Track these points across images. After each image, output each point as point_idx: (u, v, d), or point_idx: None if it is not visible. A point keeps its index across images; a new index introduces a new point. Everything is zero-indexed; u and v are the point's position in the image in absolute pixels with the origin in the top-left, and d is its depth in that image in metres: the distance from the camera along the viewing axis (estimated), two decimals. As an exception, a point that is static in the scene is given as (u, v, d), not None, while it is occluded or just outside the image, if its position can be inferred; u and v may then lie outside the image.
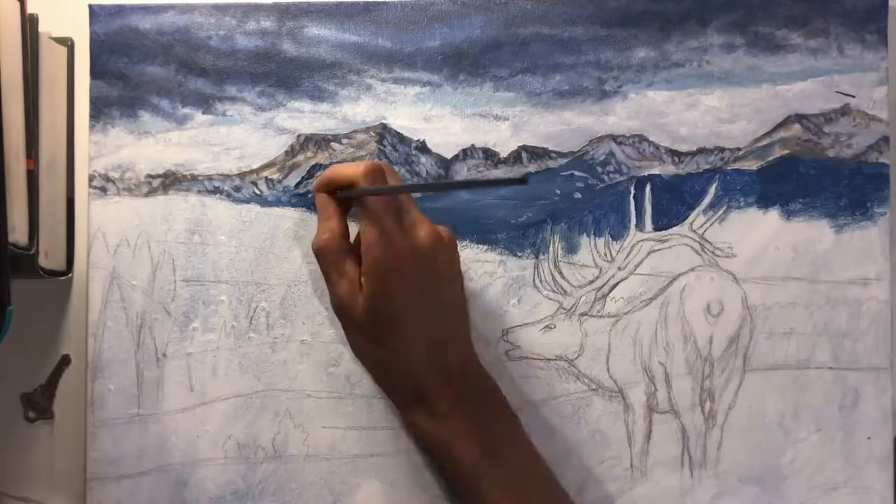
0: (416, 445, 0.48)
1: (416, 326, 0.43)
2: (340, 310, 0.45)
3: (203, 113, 0.50)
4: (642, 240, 0.50)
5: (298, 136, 0.50)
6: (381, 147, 0.50)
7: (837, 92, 0.50)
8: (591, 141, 0.50)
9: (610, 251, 0.50)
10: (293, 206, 0.50)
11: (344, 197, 0.45)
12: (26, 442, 0.50)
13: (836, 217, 0.50)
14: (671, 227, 0.50)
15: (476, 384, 0.46)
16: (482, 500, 0.43)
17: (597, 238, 0.50)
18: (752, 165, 0.50)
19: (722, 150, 0.50)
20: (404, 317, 0.43)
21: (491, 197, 0.50)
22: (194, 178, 0.50)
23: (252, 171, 0.50)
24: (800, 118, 0.50)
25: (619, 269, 0.50)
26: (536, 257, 0.50)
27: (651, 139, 0.50)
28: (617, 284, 0.50)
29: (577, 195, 0.50)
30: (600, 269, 0.50)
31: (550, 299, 0.50)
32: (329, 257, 0.44)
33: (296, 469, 0.49)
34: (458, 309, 0.46)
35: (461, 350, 0.46)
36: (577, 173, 0.50)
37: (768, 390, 0.49)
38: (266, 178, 0.50)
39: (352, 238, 0.46)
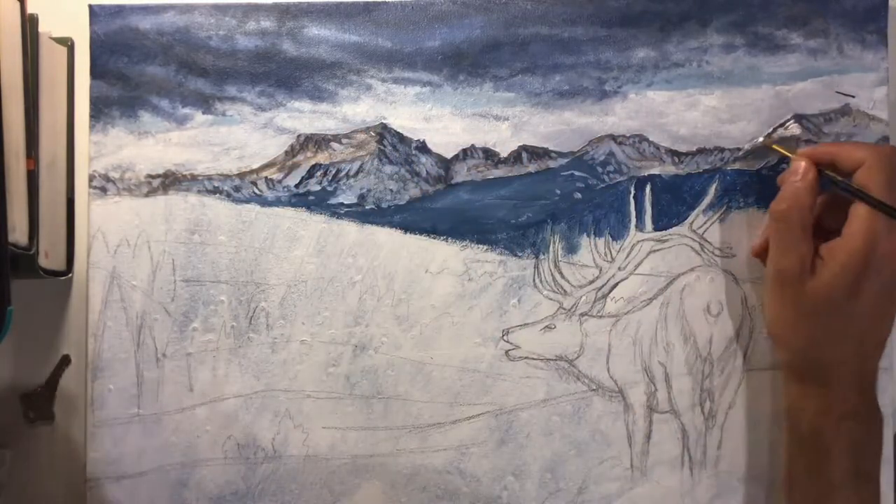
0: (789, 430, 0.46)
1: (864, 322, 0.43)
2: (786, 280, 0.43)
3: (203, 113, 0.50)
4: (642, 240, 0.50)
5: (298, 136, 0.50)
6: (381, 147, 0.50)
7: (837, 92, 0.50)
8: (591, 141, 0.50)
9: (610, 251, 0.50)
10: (293, 205, 0.50)
11: (833, 181, 0.43)
12: (26, 442, 0.50)
13: (836, 217, 0.50)
14: (671, 227, 0.50)
15: (872, 397, 0.45)
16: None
17: (597, 238, 0.50)
18: (752, 166, 0.50)
19: (722, 150, 0.50)
20: (860, 311, 0.42)
21: (491, 197, 0.50)
22: (194, 178, 0.50)
23: (252, 171, 0.50)
24: (800, 118, 0.50)
25: (619, 269, 0.50)
26: (536, 257, 0.50)
27: (651, 139, 0.50)
28: (617, 284, 0.50)
29: (577, 195, 0.50)
30: (600, 269, 0.50)
31: (550, 299, 0.50)
32: (791, 225, 0.43)
33: (296, 469, 0.49)
34: (884, 324, 0.45)
35: (878, 359, 0.45)
36: (577, 173, 0.50)
37: (768, 390, 0.49)
38: (266, 178, 0.50)
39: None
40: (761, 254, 0.47)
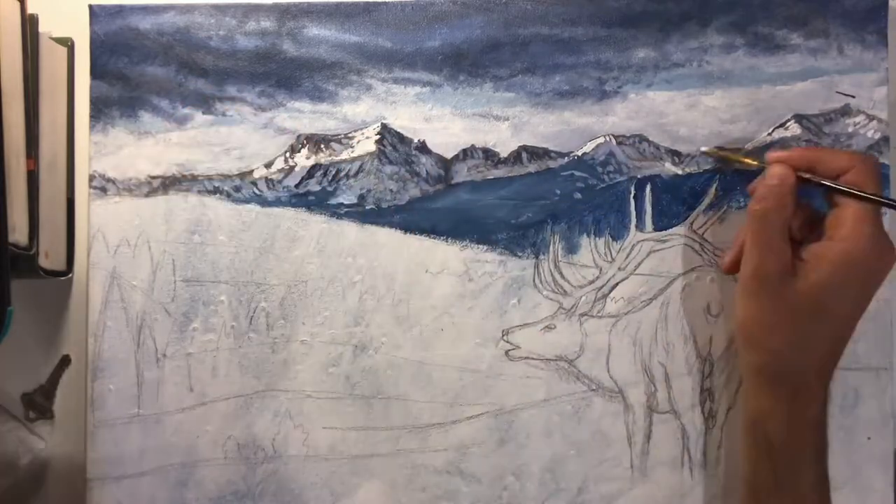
0: (745, 436, 0.45)
1: (837, 326, 0.43)
2: (763, 283, 0.43)
3: (203, 113, 0.50)
4: (642, 240, 0.50)
5: (298, 136, 0.50)
6: (382, 147, 0.50)
7: (838, 92, 0.50)
8: (590, 141, 0.50)
9: (610, 251, 0.50)
10: (293, 206, 0.50)
11: (816, 182, 0.43)
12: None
13: (836, 217, 0.50)
14: (671, 228, 0.50)
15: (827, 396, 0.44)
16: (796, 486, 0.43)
17: (597, 238, 0.50)
18: (753, 166, 0.50)
19: (722, 150, 0.50)
20: (835, 314, 0.42)
21: (491, 197, 0.50)
22: (194, 178, 0.50)
23: (252, 172, 0.50)
24: (800, 118, 0.50)
25: (619, 269, 0.50)
26: (536, 257, 0.50)
27: (651, 139, 0.50)
28: (617, 285, 0.50)
29: (577, 195, 0.50)
30: (600, 270, 0.50)
31: (550, 299, 0.50)
32: (771, 227, 0.43)
33: (296, 469, 0.49)
34: (859, 316, 0.44)
35: (835, 364, 0.44)
36: (577, 173, 0.50)
37: (768, 390, 0.49)
38: (266, 178, 0.50)
39: None
40: (733, 268, 0.46)
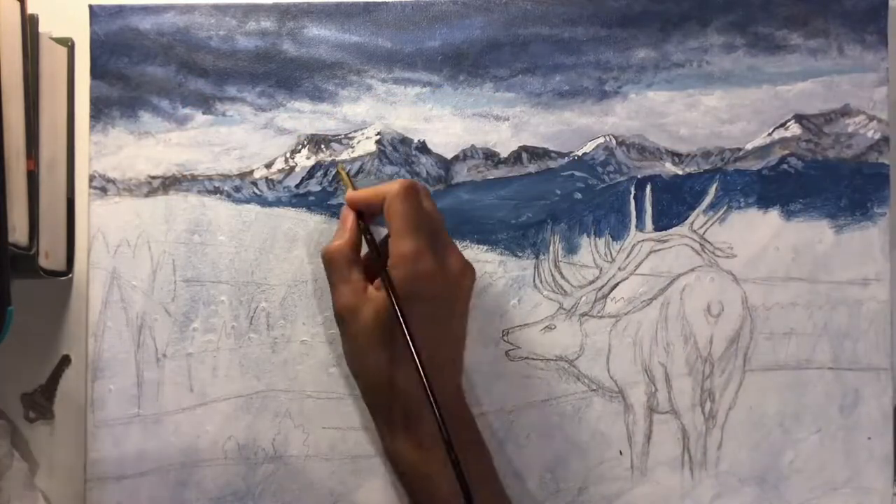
0: (393, 472, 0.47)
1: (421, 345, 0.42)
2: (343, 315, 0.45)
3: (203, 113, 0.50)
4: (642, 240, 0.50)
5: (299, 136, 0.50)
6: (382, 147, 0.50)
7: None
8: (591, 141, 0.50)
9: (610, 251, 0.50)
10: (293, 206, 0.50)
11: (366, 217, 0.46)
12: (26, 442, 0.50)
13: (836, 217, 0.50)
14: (671, 228, 0.50)
15: (462, 417, 0.45)
16: None
17: (597, 238, 0.50)
18: (753, 166, 0.50)
19: (722, 150, 0.50)
20: (413, 336, 0.42)
21: (491, 197, 0.50)
22: (194, 178, 0.50)
23: (252, 172, 0.50)
24: (800, 118, 0.50)
25: (619, 269, 0.50)
26: (536, 257, 0.50)
27: (651, 139, 0.50)
28: (617, 285, 0.50)
29: (577, 195, 0.50)
30: (600, 270, 0.50)
31: (550, 299, 0.50)
32: (336, 264, 0.45)
33: (296, 469, 0.49)
34: (459, 340, 0.46)
35: (455, 379, 0.46)
36: (577, 173, 0.50)
37: (768, 390, 0.49)
38: (266, 178, 0.50)
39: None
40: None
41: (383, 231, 0.45)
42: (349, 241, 0.45)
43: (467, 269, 0.45)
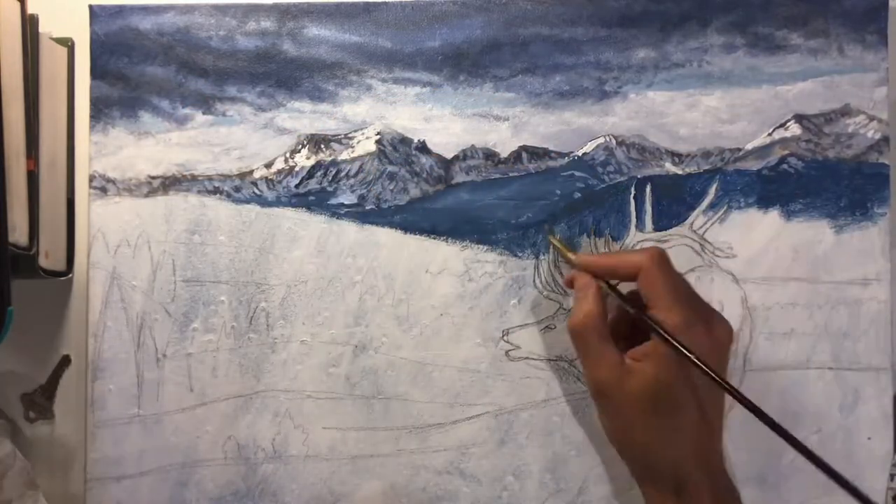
0: None
1: (694, 414, 0.42)
2: (603, 391, 0.43)
3: (203, 113, 0.50)
4: (642, 240, 0.50)
5: (299, 136, 0.50)
6: (382, 147, 0.50)
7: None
8: (591, 141, 0.50)
9: (610, 251, 0.50)
10: (293, 206, 0.50)
11: (613, 293, 0.45)
12: (26, 442, 0.50)
13: (837, 217, 0.50)
14: (671, 228, 0.50)
15: (727, 482, 0.44)
16: None
17: (597, 238, 0.50)
18: (753, 166, 0.50)
19: (722, 150, 0.50)
20: (686, 403, 0.42)
21: (491, 197, 0.50)
22: (194, 178, 0.50)
23: (252, 172, 0.50)
24: (800, 118, 0.50)
25: (619, 269, 0.50)
26: (536, 257, 0.50)
27: (651, 139, 0.50)
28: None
29: (577, 195, 0.50)
30: (600, 270, 0.50)
31: (550, 299, 0.50)
32: (589, 338, 0.43)
33: (296, 470, 0.49)
34: (722, 399, 0.44)
35: (720, 443, 0.44)
36: (577, 173, 0.50)
37: (768, 390, 0.49)
38: (266, 178, 0.50)
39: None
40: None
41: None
42: (597, 312, 0.44)
43: (729, 329, 0.43)
